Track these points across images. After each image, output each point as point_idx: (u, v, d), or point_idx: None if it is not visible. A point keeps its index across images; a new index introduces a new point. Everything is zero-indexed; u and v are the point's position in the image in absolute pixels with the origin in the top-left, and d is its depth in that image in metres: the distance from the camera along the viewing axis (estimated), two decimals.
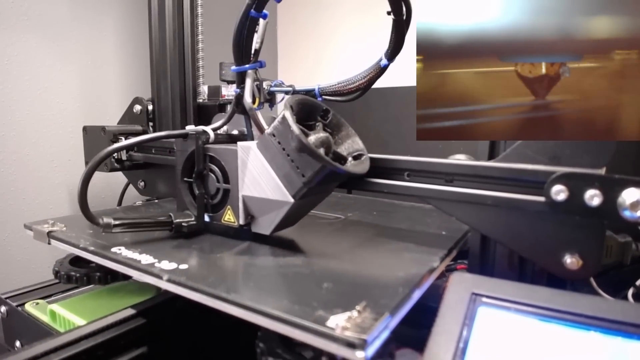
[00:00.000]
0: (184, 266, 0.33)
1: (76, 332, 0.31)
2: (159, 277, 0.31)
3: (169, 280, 0.31)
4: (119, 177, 0.67)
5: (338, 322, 0.23)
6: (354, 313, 0.24)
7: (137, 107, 0.64)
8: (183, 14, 0.62)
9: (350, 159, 0.39)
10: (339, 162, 0.37)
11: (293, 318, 0.24)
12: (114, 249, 0.36)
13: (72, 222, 0.44)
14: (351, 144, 0.40)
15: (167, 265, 0.33)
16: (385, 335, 0.24)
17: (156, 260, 0.34)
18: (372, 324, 0.23)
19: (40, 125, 0.70)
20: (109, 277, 0.43)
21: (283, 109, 0.35)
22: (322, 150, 0.35)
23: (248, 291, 0.29)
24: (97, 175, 0.68)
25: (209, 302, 0.28)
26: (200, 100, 0.65)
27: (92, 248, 0.37)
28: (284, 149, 0.34)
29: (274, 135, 0.35)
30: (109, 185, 0.78)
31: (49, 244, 0.41)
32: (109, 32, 0.78)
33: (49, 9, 0.69)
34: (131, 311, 0.35)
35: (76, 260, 0.46)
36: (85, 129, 0.63)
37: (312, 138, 0.36)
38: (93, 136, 0.62)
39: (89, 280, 0.43)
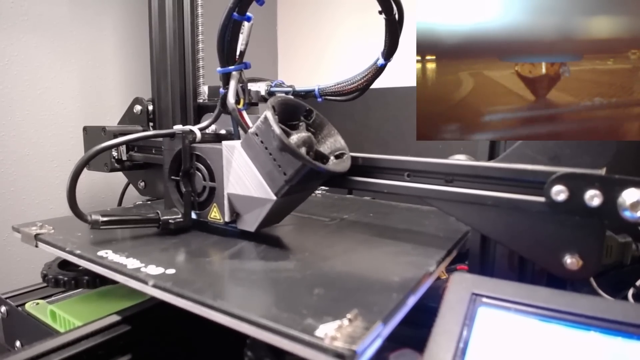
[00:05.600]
0: (171, 271, 0.31)
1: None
2: (145, 282, 0.30)
3: (154, 286, 0.29)
4: (119, 177, 0.67)
5: (327, 331, 0.22)
6: (345, 321, 0.23)
7: (138, 107, 0.64)
8: (183, 14, 0.62)
9: (332, 157, 0.39)
10: (321, 161, 0.37)
11: (280, 327, 0.23)
12: (100, 253, 0.35)
13: (62, 224, 0.43)
14: (333, 143, 0.40)
15: (153, 270, 0.32)
16: (377, 344, 0.23)
17: (143, 265, 0.32)
18: (363, 334, 0.22)
19: (40, 125, 0.70)
20: (97, 280, 0.42)
21: (265, 109, 0.35)
22: (303, 150, 0.36)
23: (236, 297, 0.28)
24: (97, 176, 0.69)
25: (194, 309, 0.27)
26: (201, 101, 0.65)
27: (78, 252, 0.36)
28: (266, 148, 0.35)
29: (257, 135, 0.35)
30: (109, 185, 0.78)
31: (37, 246, 0.40)
32: (109, 32, 0.78)
33: (48, 9, 0.69)
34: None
35: (66, 263, 0.44)
36: (85, 129, 0.63)
37: (294, 137, 0.36)
38: (93, 136, 0.62)
39: (77, 284, 0.42)
